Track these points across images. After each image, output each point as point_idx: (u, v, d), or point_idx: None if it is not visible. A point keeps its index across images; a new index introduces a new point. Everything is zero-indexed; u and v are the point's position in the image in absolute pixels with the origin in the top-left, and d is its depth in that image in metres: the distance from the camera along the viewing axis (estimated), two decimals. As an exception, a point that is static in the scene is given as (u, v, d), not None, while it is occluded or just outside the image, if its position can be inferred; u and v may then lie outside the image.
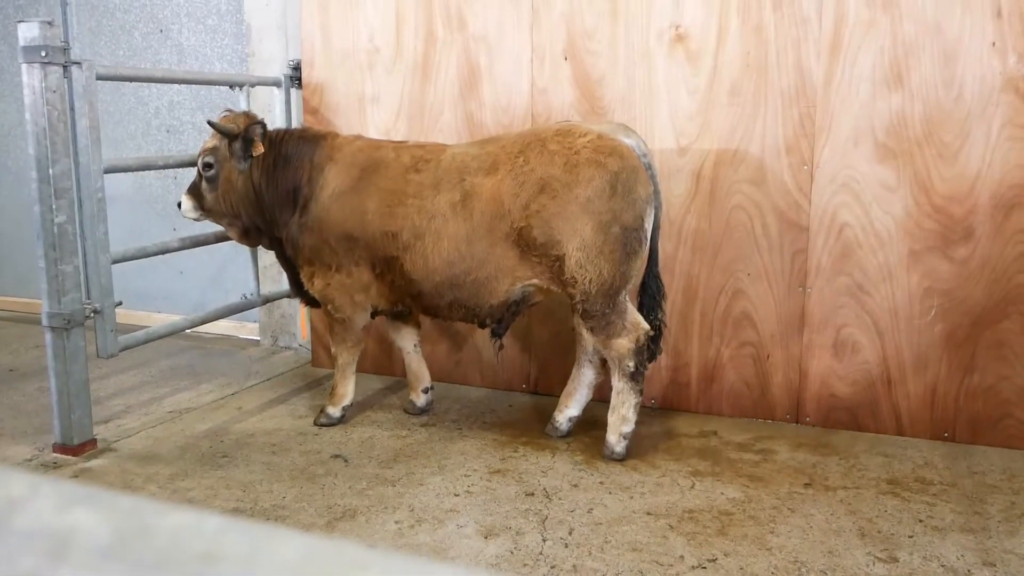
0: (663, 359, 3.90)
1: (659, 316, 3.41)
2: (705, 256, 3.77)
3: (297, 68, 4.43)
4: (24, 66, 3.15)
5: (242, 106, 4.22)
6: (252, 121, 3.54)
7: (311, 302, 3.79)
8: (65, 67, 3.22)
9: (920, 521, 2.87)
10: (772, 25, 3.55)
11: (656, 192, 3.27)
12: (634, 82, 3.77)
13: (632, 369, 3.25)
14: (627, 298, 3.29)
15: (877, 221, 3.51)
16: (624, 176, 3.12)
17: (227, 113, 3.63)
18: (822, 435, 3.64)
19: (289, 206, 3.53)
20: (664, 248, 3.80)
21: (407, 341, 3.90)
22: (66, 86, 3.25)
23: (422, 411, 3.89)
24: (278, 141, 3.56)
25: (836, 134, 3.52)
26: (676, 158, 3.74)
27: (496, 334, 3.49)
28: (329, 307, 3.59)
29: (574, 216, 3.12)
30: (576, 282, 3.16)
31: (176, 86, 5.20)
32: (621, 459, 3.33)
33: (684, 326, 3.86)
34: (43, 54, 3.12)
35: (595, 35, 3.81)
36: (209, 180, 3.57)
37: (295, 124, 4.45)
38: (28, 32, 3.12)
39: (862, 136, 3.49)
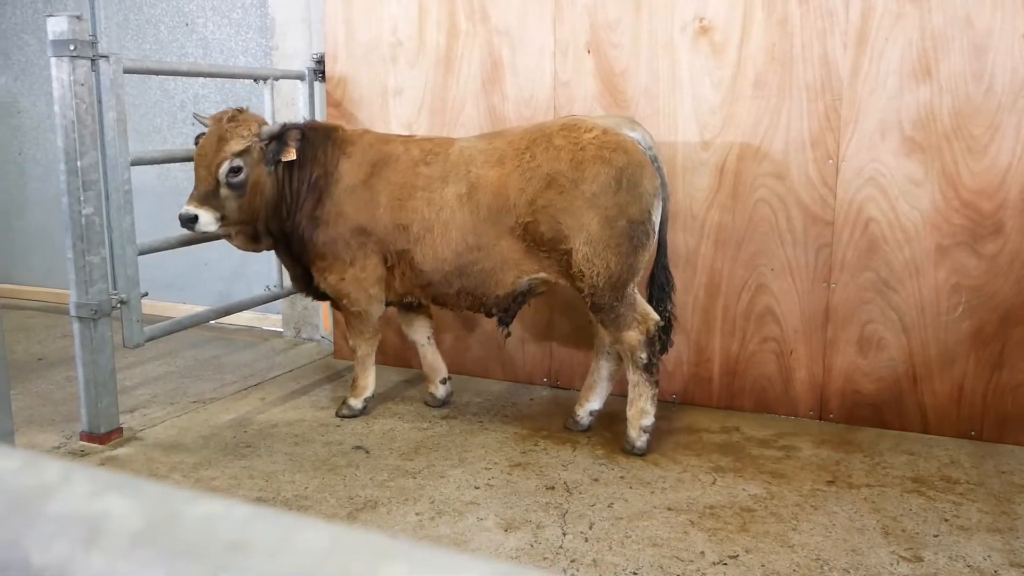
0: (685, 354, 3.88)
1: (668, 308, 3.41)
2: (728, 250, 3.74)
3: (320, 61, 4.44)
4: (53, 60, 3.19)
5: (266, 100, 4.26)
6: (253, 125, 3.41)
7: (317, 296, 3.77)
8: (93, 61, 3.26)
9: (945, 520, 2.84)
10: (797, 17, 3.51)
11: (663, 185, 3.28)
12: (657, 75, 3.74)
13: (645, 361, 3.25)
14: (636, 290, 3.30)
15: (904, 216, 3.47)
16: (630, 171, 3.14)
17: (237, 112, 3.45)
18: (846, 432, 3.61)
19: (303, 201, 3.49)
20: (686, 242, 3.78)
21: (420, 334, 3.91)
22: (94, 79, 3.29)
23: (443, 402, 3.90)
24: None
25: (862, 127, 3.48)
26: (699, 151, 3.72)
27: (503, 323, 3.52)
28: (344, 301, 3.58)
29: (580, 211, 3.13)
30: (584, 275, 3.18)
31: (201, 79, 5.24)
32: (642, 454, 3.32)
33: (706, 321, 3.84)
34: (72, 48, 3.16)
35: (618, 27, 3.79)
36: (236, 186, 3.37)
37: (319, 117, 4.47)
38: (57, 26, 3.16)
39: (889, 129, 3.45)
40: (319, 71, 4.45)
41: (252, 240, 3.61)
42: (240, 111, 3.46)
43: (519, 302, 3.45)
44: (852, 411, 3.67)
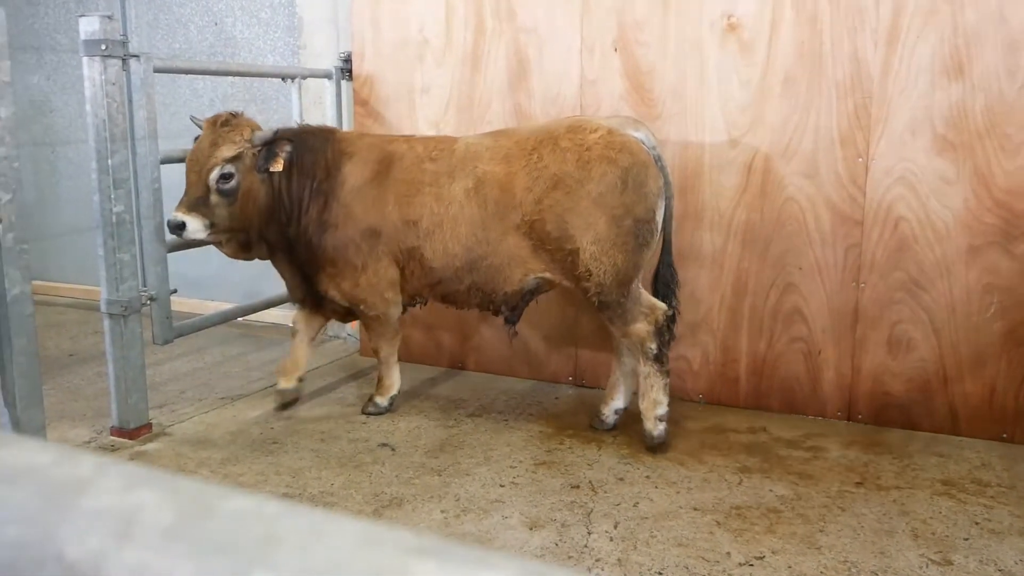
0: (712, 353, 3.86)
1: (673, 303, 3.43)
2: (756, 250, 3.71)
3: (348, 60, 4.46)
4: (85, 59, 3.23)
5: (294, 99, 4.28)
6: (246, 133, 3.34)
7: (315, 307, 3.74)
8: (124, 60, 3.30)
9: (976, 523, 2.79)
10: (827, 14, 3.47)
11: (667, 184, 3.31)
12: (685, 73, 3.72)
13: (655, 351, 3.26)
14: (639, 285, 3.33)
15: (935, 215, 3.42)
16: (635, 171, 3.17)
17: (231, 116, 3.36)
18: (874, 433, 3.56)
19: (308, 206, 3.43)
20: (714, 241, 3.75)
21: (313, 329, 3.87)
22: (125, 79, 3.33)
23: (296, 396, 3.87)
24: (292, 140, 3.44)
25: (893, 126, 3.43)
26: (727, 150, 3.69)
27: (510, 321, 3.53)
28: (361, 307, 3.56)
29: (587, 211, 3.17)
30: (591, 274, 3.21)
31: (229, 79, 5.29)
32: (662, 443, 3.32)
33: (733, 320, 3.81)
34: (103, 48, 3.20)
35: (645, 26, 3.76)
36: (226, 193, 3.28)
37: (346, 116, 4.50)
38: (89, 26, 3.21)
39: (920, 128, 3.40)
40: (346, 70, 4.47)
41: (243, 248, 3.53)
42: (234, 115, 3.37)
43: (526, 300, 3.49)
44: (881, 412, 3.62)
